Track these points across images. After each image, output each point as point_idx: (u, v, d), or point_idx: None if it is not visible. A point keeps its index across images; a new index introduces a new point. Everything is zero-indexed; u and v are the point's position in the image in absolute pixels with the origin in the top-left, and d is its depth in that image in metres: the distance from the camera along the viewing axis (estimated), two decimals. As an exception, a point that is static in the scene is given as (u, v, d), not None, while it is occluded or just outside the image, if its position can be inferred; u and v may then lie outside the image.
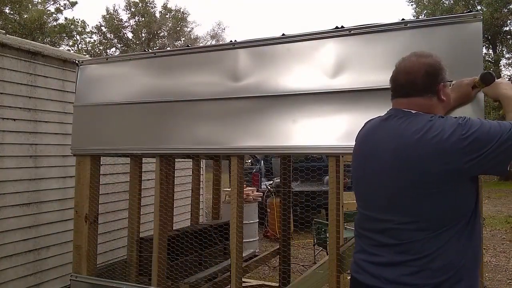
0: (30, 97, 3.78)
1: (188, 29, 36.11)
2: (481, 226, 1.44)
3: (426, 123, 1.35)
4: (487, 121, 1.35)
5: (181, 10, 35.11)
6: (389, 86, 2.24)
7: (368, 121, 1.65)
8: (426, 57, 1.48)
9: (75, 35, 31.52)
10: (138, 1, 34.07)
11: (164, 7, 34.74)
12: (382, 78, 2.23)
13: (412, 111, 1.44)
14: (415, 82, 1.45)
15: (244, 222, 2.70)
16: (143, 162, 3.23)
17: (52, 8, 28.90)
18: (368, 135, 1.58)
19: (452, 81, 1.59)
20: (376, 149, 1.48)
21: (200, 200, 5.37)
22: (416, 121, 1.39)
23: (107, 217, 4.36)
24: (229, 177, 3.04)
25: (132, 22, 34.78)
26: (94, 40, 34.06)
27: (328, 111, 2.36)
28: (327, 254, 2.54)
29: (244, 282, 4.01)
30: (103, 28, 34.13)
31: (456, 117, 1.36)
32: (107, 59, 3.25)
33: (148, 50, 3.04)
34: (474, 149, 1.28)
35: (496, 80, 1.63)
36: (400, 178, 1.37)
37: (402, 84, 1.48)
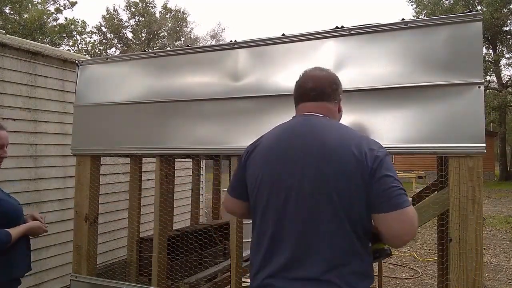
0: (30, 97, 3.78)
1: (188, 29, 36.11)
2: None
3: (341, 125, 1.50)
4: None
5: (181, 10, 35.14)
6: (389, 87, 2.25)
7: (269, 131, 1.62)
8: (328, 71, 1.64)
9: (75, 35, 31.52)
10: (138, 1, 34.07)
11: (164, 7, 34.74)
12: (382, 78, 2.24)
13: (319, 115, 1.52)
14: (325, 87, 1.56)
15: (244, 222, 2.70)
16: (143, 162, 3.23)
17: (52, 8, 28.91)
18: (279, 140, 1.52)
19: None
20: (295, 151, 1.44)
21: (200, 200, 5.37)
22: (331, 123, 1.50)
23: (107, 217, 4.35)
24: (229, 177, 3.03)
25: (132, 22, 34.78)
26: (94, 40, 34.08)
27: (328, 111, 2.35)
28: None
29: (244, 282, 4.00)
30: (103, 28, 34.13)
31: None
32: (107, 59, 3.25)
33: (148, 50, 3.03)
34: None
35: None
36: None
37: (312, 87, 1.56)
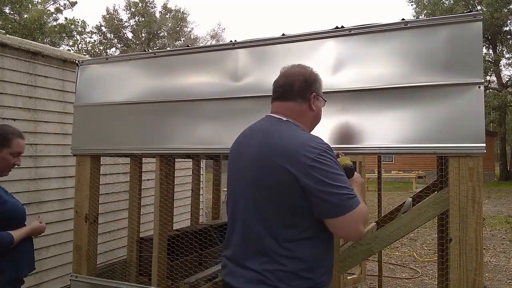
0: (30, 97, 3.78)
1: (188, 29, 36.11)
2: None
3: (286, 131, 1.49)
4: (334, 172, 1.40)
5: (181, 10, 35.14)
6: (389, 87, 2.25)
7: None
8: (306, 68, 1.64)
9: (75, 35, 31.52)
10: (138, 1, 34.05)
11: (164, 7, 34.74)
12: (382, 78, 2.24)
13: (283, 118, 1.56)
14: (292, 85, 1.58)
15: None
16: (143, 162, 3.23)
17: (52, 8, 28.92)
18: (238, 142, 1.67)
19: (326, 100, 1.73)
20: (244, 150, 1.58)
21: (200, 200, 5.37)
22: (277, 128, 1.51)
23: (107, 217, 4.36)
24: (229, 177, 3.03)
25: (132, 22, 34.77)
26: (94, 40, 34.08)
27: (328, 111, 2.35)
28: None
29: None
30: (103, 28, 34.12)
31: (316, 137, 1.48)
32: (107, 59, 3.25)
33: (148, 50, 3.03)
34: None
35: (353, 175, 1.70)
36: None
37: (281, 85, 1.61)
